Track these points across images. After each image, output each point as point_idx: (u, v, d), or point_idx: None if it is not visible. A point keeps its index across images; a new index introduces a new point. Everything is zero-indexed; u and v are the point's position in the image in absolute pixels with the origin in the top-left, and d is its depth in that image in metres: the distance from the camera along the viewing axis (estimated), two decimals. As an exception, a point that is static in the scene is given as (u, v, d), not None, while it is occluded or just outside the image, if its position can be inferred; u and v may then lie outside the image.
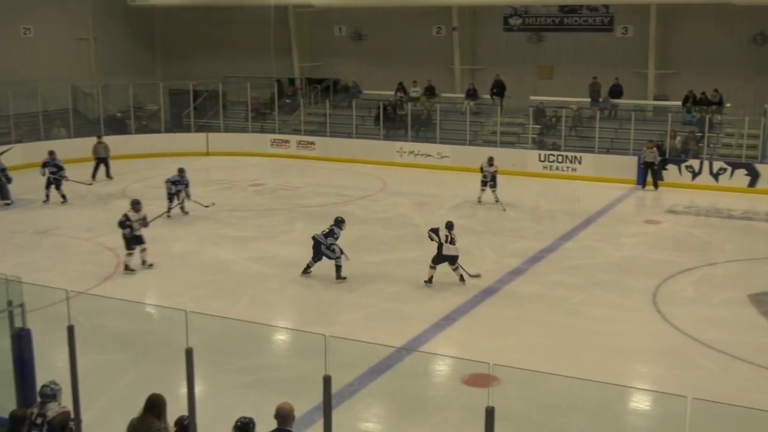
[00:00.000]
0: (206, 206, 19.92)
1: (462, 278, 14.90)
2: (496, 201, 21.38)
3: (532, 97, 28.38)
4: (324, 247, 15.14)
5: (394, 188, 23.94)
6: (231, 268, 15.98)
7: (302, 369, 10.69)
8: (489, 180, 21.59)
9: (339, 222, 15.46)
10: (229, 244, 17.67)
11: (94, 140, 25.70)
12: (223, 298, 14.18)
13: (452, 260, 14.87)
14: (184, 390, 6.94)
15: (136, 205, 16.03)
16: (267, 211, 20.91)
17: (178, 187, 19.85)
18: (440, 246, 14.79)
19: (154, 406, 7.16)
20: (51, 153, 22.25)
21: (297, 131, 30.40)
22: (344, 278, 15.03)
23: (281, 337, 12.49)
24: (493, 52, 30.65)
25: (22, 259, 16.44)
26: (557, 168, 25.72)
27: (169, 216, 19.65)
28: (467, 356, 10.98)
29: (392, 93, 30.37)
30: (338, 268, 15.05)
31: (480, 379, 9.82)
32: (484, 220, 20.10)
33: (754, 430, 8.90)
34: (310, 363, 10.31)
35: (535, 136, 27.18)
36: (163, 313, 12.42)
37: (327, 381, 6.11)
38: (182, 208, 20.18)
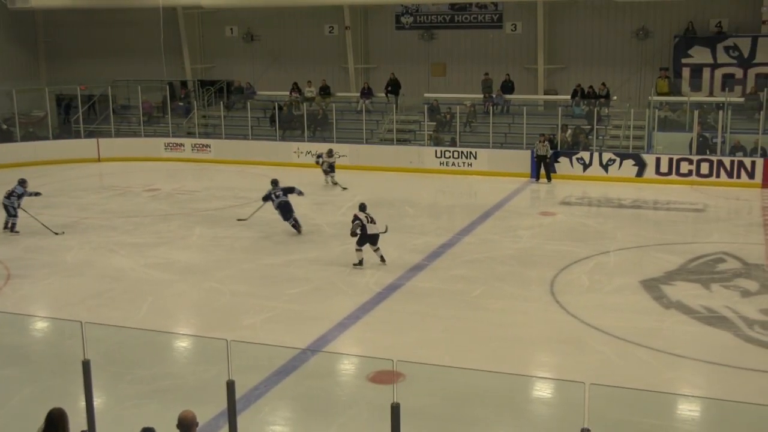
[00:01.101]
0: (56, 233, 18.53)
1: (383, 259, 15.63)
2: (335, 184, 23.79)
3: (426, 95, 28.74)
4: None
5: (292, 189, 23.80)
6: (129, 276, 15.59)
7: (205, 375, 10.53)
8: (327, 168, 23.98)
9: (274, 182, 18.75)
10: (126, 251, 17.23)
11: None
12: (121, 307, 13.81)
13: (375, 239, 15.59)
14: (82, 403, 6.75)
15: None
16: (164, 217, 20.49)
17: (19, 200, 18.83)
18: (364, 227, 15.48)
19: (56, 421, 6.92)
20: None
21: (191, 134, 29.93)
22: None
23: (183, 344, 12.26)
24: (386, 51, 30.87)
25: None
26: (453, 164, 26.10)
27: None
28: (372, 354, 11.04)
29: (287, 93, 30.24)
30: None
31: (385, 376, 9.85)
32: (384, 217, 20.05)
33: (651, 412, 9.26)
34: (214, 369, 10.21)
35: (431, 132, 27.50)
36: (57, 326, 12.02)
37: (230, 386, 6.04)
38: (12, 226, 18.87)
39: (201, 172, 25.38)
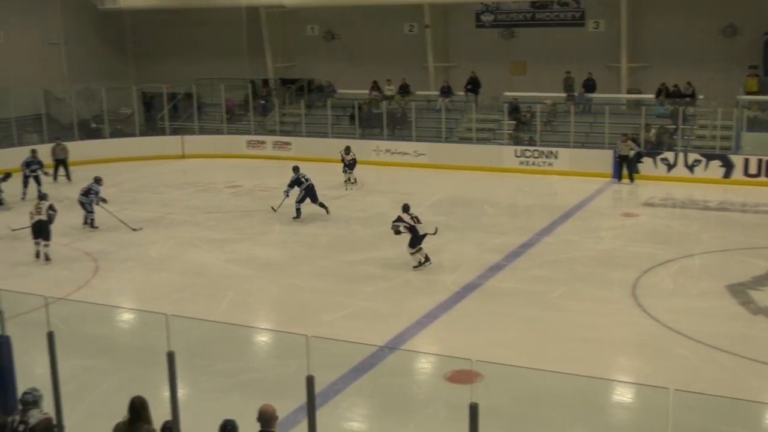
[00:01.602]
0: (134, 229, 18.87)
1: (427, 258, 15.57)
2: (354, 181, 23.93)
3: (506, 93, 28.48)
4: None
5: (371, 187, 23.93)
6: (210, 271, 15.90)
7: (285, 370, 10.67)
8: (347, 165, 23.92)
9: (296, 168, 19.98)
10: (207, 246, 17.58)
11: (68, 144, 25.60)
12: (203, 301, 14.11)
13: (422, 240, 15.50)
14: (166, 394, 6.90)
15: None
16: (245, 213, 20.82)
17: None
18: (413, 228, 15.42)
19: (138, 408, 7.11)
20: (33, 151, 23.11)
21: (272, 132, 30.30)
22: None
23: (263, 338, 12.45)
24: (466, 49, 30.70)
25: (-2, 267, 16.31)
26: (533, 163, 25.82)
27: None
28: (449, 353, 11.02)
29: (366, 92, 30.36)
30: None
31: (463, 376, 9.82)
32: (463, 216, 20.13)
33: (737, 421, 8.99)
34: (293, 364, 10.33)
35: (511, 131, 27.26)
36: (143, 318, 12.33)
37: (310, 381, 6.09)
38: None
39: (281, 170, 25.55)
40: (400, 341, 12.02)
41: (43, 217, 16.60)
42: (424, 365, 11.50)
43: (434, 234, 15.76)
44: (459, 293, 14.19)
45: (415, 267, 15.53)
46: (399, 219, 15.72)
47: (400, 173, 26.11)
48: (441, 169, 26.26)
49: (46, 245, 16.65)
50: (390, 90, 30.23)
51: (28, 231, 16.83)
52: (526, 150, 26.04)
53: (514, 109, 27.63)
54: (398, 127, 28.76)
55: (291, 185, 19.86)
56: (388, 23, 31.42)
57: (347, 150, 24.21)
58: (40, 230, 16.58)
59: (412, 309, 13.39)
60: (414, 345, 11.92)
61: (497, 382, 8.72)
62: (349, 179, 23.93)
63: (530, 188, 23.98)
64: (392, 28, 31.49)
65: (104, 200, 19.29)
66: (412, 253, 15.57)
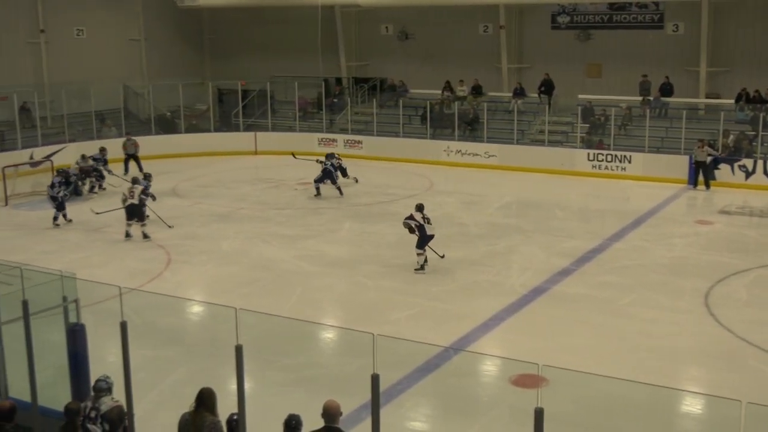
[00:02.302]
0: (170, 226, 19.07)
1: (439, 256, 15.76)
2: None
3: (580, 96, 28.10)
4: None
5: (441, 187, 23.90)
6: (280, 267, 16.09)
7: (350, 367, 10.73)
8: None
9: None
10: (277, 242, 17.79)
11: (145, 139, 26.22)
12: (271, 296, 14.28)
13: (430, 240, 15.50)
14: (232, 386, 7.00)
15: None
16: (315, 210, 21.00)
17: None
18: (421, 228, 15.40)
19: (206, 399, 7.24)
20: (102, 150, 23.74)
21: (344, 130, 30.49)
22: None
23: (329, 335, 12.54)
24: (540, 51, 30.42)
25: (76, 256, 16.78)
26: (606, 167, 25.43)
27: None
28: (515, 356, 10.91)
29: (439, 92, 30.31)
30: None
31: (528, 380, 9.74)
32: (532, 219, 19.96)
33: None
34: (358, 361, 10.36)
35: (584, 135, 26.91)
36: (212, 311, 12.54)
37: (375, 380, 6.10)
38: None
39: (352, 168, 25.75)
40: (465, 342, 11.98)
41: (135, 201, 17.89)
42: (490, 368, 11.44)
43: (442, 258, 15.82)
44: (526, 296, 14.08)
45: (416, 270, 15.38)
46: (411, 217, 15.71)
47: (469, 174, 26.01)
48: (511, 171, 26.08)
49: (143, 225, 18.04)
50: (462, 90, 30.14)
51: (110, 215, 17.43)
52: (599, 153, 25.66)
53: (588, 112, 27.26)
54: (469, 127, 28.65)
55: (326, 171, 22.37)
56: (463, 23, 31.33)
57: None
58: (133, 212, 17.91)
59: (479, 310, 13.33)
60: (479, 347, 11.87)
61: (563, 387, 8.62)
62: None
63: (602, 193, 23.63)
64: (466, 28, 31.39)
65: (153, 197, 19.57)
66: (418, 254, 15.50)
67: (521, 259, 16.38)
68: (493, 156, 27.00)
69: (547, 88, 28.50)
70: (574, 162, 25.90)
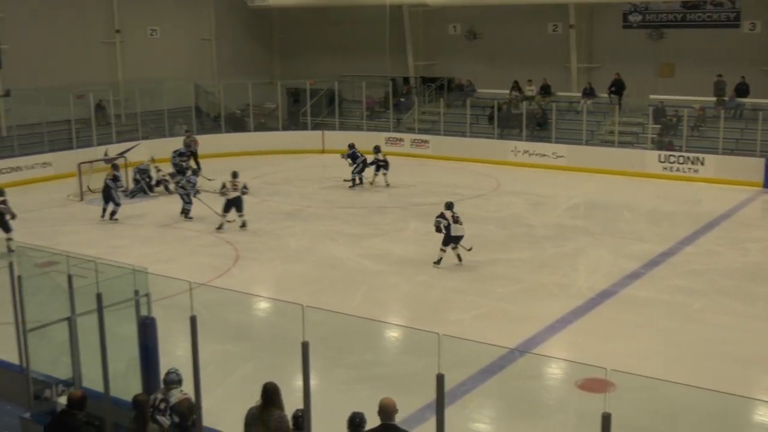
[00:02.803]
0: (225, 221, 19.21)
1: (460, 258, 15.68)
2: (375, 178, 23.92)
3: (652, 96, 27.58)
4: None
5: (507, 188, 23.73)
6: (345, 265, 16.18)
7: (414, 366, 10.73)
8: (382, 164, 23.78)
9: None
10: (343, 240, 17.89)
11: (214, 137, 26.62)
12: (337, 293, 14.37)
13: (458, 240, 15.62)
14: (298, 383, 7.05)
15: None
16: (381, 209, 21.06)
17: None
18: (448, 227, 15.54)
19: (271, 394, 7.33)
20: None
21: (411, 130, 30.50)
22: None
23: (394, 334, 12.57)
24: (611, 50, 29.94)
25: (147, 250, 17.14)
26: (678, 169, 24.93)
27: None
28: (581, 360, 10.78)
29: (507, 92, 30.10)
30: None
31: (595, 384, 9.60)
32: (601, 221, 19.68)
33: None
34: (422, 361, 10.37)
35: (655, 136, 26.41)
36: (279, 307, 12.68)
37: (440, 380, 6.09)
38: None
39: (419, 168, 25.82)
40: (531, 345, 11.88)
41: (239, 193, 18.59)
42: (555, 371, 11.32)
43: (469, 251, 15.79)
44: (594, 300, 13.89)
45: (435, 263, 15.73)
46: (441, 215, 15.79)
47: (537, 175, 25.77)
48: (580, 172, 25.76)
49: (240, 215, 18.69)
50: (531, 90, 29.87)
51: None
52: (670, 155, 25.16)
53: (660, 113, 26.75)
54: (537, 128, 28.39)
55: (348, 157, 23.54)
56: (532, 23, 31.04)
57: (377, 149, 24.31)
58: (235, 204, 18.63)
59: (545, 312, 13.20)
60: (545, 349, 11.76)
61: (631, 393, 8.48)
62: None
63: (673, 195, 23.15)
64: (535, 27, 31.09)
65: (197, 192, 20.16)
66: (441, 250, 15.80)
67: (589, 262, 16.17)
68: (561, 157, 26.71)
69: (617, 88, 28.06)
70: (644, 163, 25.45)
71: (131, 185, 22.56)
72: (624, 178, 25.01)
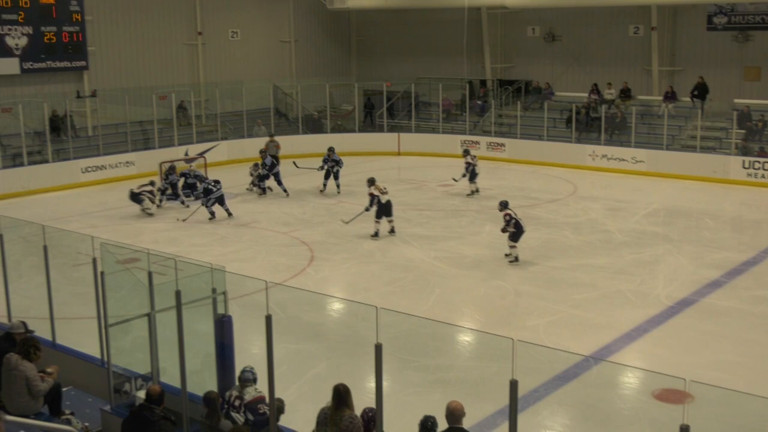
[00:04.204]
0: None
1: (516, 258, 16.12)
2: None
3: (736, 100, 26.86)
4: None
5: (585, 192, 23.40)
6: (419, 267, 16.18)
7: (486, 371, 10.68)
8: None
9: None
10: (417, 242, 17.89)
11: (292, 138, 26.92)
12: (410, 296, 14.38)
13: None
14: (370, 384, 7.09)
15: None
16: (455, 212, 21.00)
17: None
18: (518, 223, 16.05)
19: (342, 395, 7.38)
20: (330, 149, 24.31)
21: (487, 132, 30.35)
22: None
23: (467, 338, 12.52)
24: (694, 53, 29.24)
25: (225, 249, 17.44)
26: (763, 176, 24.18)
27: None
28: (659, 370, 10.56)
29: (585, 95, 29.69)
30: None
31: (673, 395, 9.40)
32: (681, 228, 19.24)
33: None
34: (495, 366, 10.32)
35: (739, 141, 25.69)
36: (353, 308, 12.76)
37: (514, 385, 6.03)
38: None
39: (494, 171, 25.64)
40: (606, 353, 11.68)
41: (389, 196, 18.32)
42: (631, 380, 11.10)
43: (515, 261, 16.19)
44: (672, 308, 13.58)
45: (509, 258, 16.18)
46: (510, 216, 16.18)
47: (615, 179, 25.35)
48: (660, 177, 25.24)
49: (390, 221, 18.39)
50: (610, 94, 29.40)
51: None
52: (755, 161, 24.44)
53: (745, 118, 26.01)
54: (617, 132, 27.92)
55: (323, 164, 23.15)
56: (612, 25, 30.55)
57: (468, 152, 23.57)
58: (386, 209, 18.29)
59: (621, 320, 12.97)
60: (621, 358, 11.55)
61: (711, 406, 8.27)
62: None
63: (758, 202, 22.47)
64: (616, 29, 30.58)
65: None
66: (511, 246, 16.12)
67: (668, 269, 15.82)
68: (640, 161, 26.21)
69: (700, 91, 27.40)
70: (727, 169, 24.78)
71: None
72: (706, 184, 24.40)
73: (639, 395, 10.54)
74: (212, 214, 20.11)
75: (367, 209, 18.30)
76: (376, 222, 18.20)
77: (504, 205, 16.50)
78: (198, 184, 21.40)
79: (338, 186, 23.25)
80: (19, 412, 8.24)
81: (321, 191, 23.04)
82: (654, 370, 10.69)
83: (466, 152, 23.43)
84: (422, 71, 33.71)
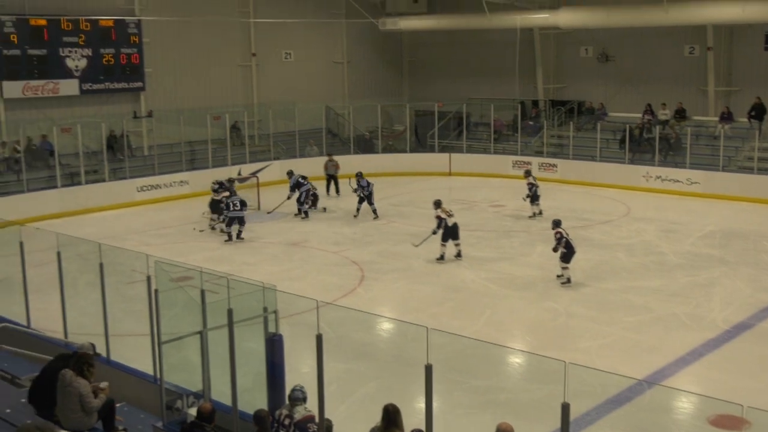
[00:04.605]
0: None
1: (569, 280, 16.00)
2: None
3: (795, 121, 26.33)
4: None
5: (638, 214, 23.08)
6: (470, 288, 16.11)
7: (537, 394, 10.57)
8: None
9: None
10: (468, 263, 17.82)
11: (344, 158, 27.13)
12: (461, 316, 14.32)
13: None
14: (419, 404, 7.07)
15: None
16: (506, 233, 20.87)
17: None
18: (568, 243, 15.95)
19: (392, 415, 7.36)
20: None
21: (539, 153, 30.17)
22: None
23: (517, 359, 12.41)
24: (752, 73, 28.74)
25: (275, 268, 17.57)
26: (823, 198, 23.66)
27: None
28: (715, 395, 10.34)
29: (639, 116, 29.36)
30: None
31: (729, 421, 9.21)
32: (737, 250, 18.85)
33: None
34: (546, 388, 10.20)
35: (798, 162, 25.17)
36: (402, 328, 12.74)
37: (565, 409, 5.97)
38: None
39: (545, 192, 25.41)
40: (660, 377, 11.49)
41: (455, 219, 18.10)
42: (686, 405, 10.88)
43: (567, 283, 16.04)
44: (729, 332, 13.30)
45: (560, 279, 16.09)
46: (561, 235, 16.11)
47: (669, 201, 24.98)
48: (715, 199, 24.80)
49: (456, 244, 18.09)
50: (664, 114, 29.04)
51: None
52: (815, 183, 23.90)
53: (804, 138, 25.49)
54: (671, 153, 27.54)
55: (292, 189, 22.89)
56: (667, 45, 30.18)
57: (528, 173, 23.08)
58: (453, 232, 18.02)
59: (676, 344, 12.75)
60: (675, 382, 11.34)
61: (767, 432, 8.08)
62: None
63: (818, 225, 21.95)
64: (671, 49, 30.21)
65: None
66: (563, 268, 16.01)
67: (724, 293, 15.52)
68: (696, 183, 25.79)
69: (757, 112, 26.92)
70: (787, 191, 24.27)
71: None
72: (763, 206, 23.90)
73: (694, 420, 10.33)
74: (228, 235, 20.09)
75: (434, 232, 18.08)
76: (442, 245, 17.95)
77: (557, 224, 16.39)
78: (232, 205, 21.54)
79: (374, 211, 22.64)
80: (73, 427, 8.37)
81: (354, 216, 22.82)
82: (709, 395, 10.48)
83: (528, 173, 23.10)
84: (473, 92, 33.69)
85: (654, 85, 30.30)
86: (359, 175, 22.93)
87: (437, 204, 18.48)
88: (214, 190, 21.45)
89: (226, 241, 19.98)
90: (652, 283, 16.04)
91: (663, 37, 29.99)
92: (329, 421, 7.70)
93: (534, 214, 22.37)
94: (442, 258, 17.94)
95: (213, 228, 21.13)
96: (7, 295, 13.25)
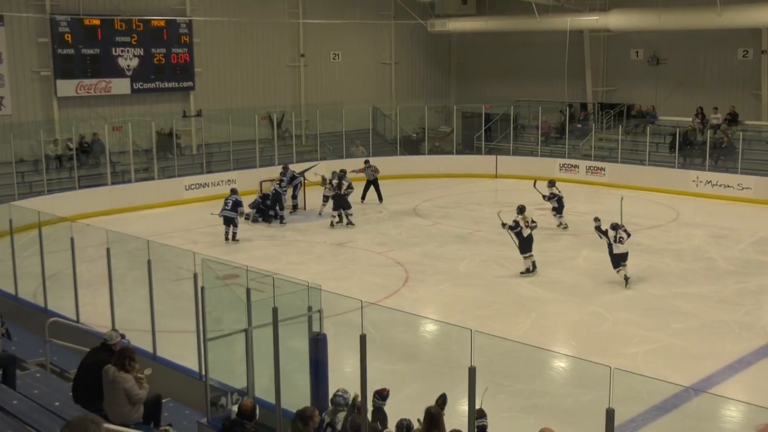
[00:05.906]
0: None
1: (627, 279, 15.85)
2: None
3: None
4: None
5: (687, 219, 22.75)
6: (514, 291, 16.03)
7: (582, 399, 10.48)
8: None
9: None
10: (513, 266, 17.71)
11: (390, 159, 27.10)
12: (504, 319, 14.26)
13: (623, 258, 15.94)
14: (461, 407, 7.05)
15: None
16: (552, 236, 20.71)
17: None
18: (610, 245, 15.96)
19: (435, 418, 7.35)
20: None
21: (587, 156, 29.88)
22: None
23: (562, 364, 12.31)
24: (807, 77, 28.19)
25: (321, 268, 17.66)
26: None
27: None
28: (764, 403, 10.15)
29: (690, 119, 28.94)
30: None
31: (778, 431, 9.02)
32: (789, 258, 18.51)
33: None
34: (591, 393, 10.10)
35: None
36: (446, 330, 12.71)
37: (610, 414, 5.92)
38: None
39: (593, 195, 25.21)
40: (707, 384, 11.32)
41: (530, 230, 17.06)
42: (733, 413, 10.70)
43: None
44: (779, 341, 13.05)
45: (626, 281, 15.90)
46: (604, 231, 16.38)
47: (720, 207, 24.57)
48: (767, 204, 24.34)
49: (530, 256, 17.13)
50: (716, 118, 28.56)
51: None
52: None
53: None
54: (722, 157, 27.09)
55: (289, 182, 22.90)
56: (720, 48, 29.70)
57: (551, 183, 21.93)
58: (528, 243, 17.08)
59: (724, 351, 12.55)
60: (723, 390, 11.17)
61: (818, 443, 7.92)
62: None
63: None
64: (724, 53, 29.72)
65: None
66: (617, 271, 15.95)
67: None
68: (747, 188, 25.35)
69: (812, 117, 26.38)
70: (841, 197, 23.75)
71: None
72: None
73: (742, 429, 10.15)
74: (225, 235, 20.19)
75: (504, 225, 17.25)
76: (524, 258, 17.09)
77: (520, 210, 17.23)
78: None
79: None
80: (120, 421, 8.50)
81: (319, 214, 22.96)
82: (758, 404, 10.29)
83: (551, 183, 22.12)
84: (521, 94, 33.50)
85: (706, 89, 29.84)
86: (342, 175, 22.29)
87: (521, 209, 17.65)
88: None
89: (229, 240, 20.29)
90: (700, 290, 15.81)
91: (716, 40, 29.51)
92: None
93: (560, 225, 21.52)
94: (527, 271, 17.04)
95: (247, 218, 21.61)
96: (57, 290, 13.51)
